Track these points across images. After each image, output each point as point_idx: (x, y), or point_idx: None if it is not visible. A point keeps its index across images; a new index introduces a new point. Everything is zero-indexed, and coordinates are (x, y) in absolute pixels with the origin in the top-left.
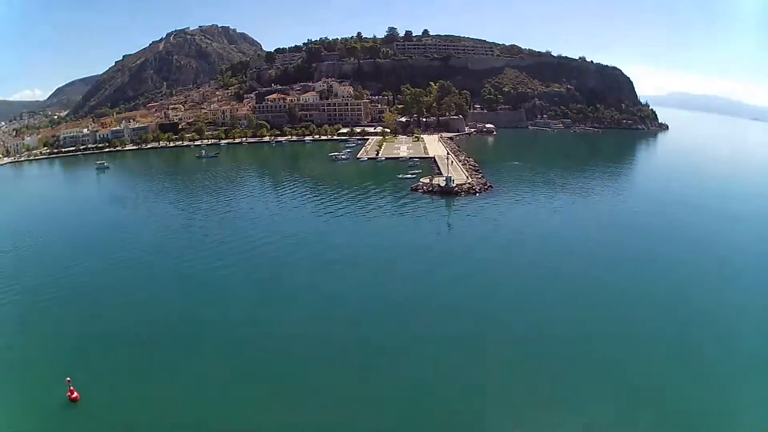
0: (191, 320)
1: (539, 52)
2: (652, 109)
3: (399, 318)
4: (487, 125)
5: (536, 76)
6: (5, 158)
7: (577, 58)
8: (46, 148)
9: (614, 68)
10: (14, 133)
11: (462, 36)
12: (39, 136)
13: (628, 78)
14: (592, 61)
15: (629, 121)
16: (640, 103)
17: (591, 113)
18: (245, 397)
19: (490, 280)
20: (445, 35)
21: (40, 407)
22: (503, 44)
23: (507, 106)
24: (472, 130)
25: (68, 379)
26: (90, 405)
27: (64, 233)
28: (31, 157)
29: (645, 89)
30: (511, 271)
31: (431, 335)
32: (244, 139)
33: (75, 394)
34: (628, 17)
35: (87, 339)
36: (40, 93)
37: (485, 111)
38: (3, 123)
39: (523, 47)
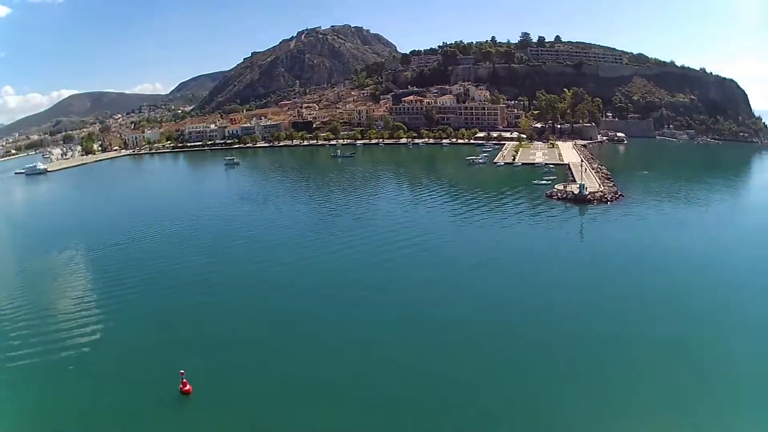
0: (313, 318)
1: (664, 61)
2: (764, 123)
3: (534, 327)
4: (618, 134)
5: (662, 85)
6: (123, 150)
7: (697, 69)
8: (169, 141)
9: (731, 80)
10: (132, 126)
11: (592, 43)
12: (161, 129)
13: (743, 90)
14: (711, 73)
15: (745, 134)
16: (754, 115)
17: (712, 125)
18: (359, 397)
19: (621, 292)
20: (576, 42)
21: (153, 398)
22: (630, 53)
23: (636, 115)
24: (604, 138)
25: (182, 371)
26: (202, 398)
27: (192, 226)
28: (152, 150)
29: (757, 102)
30: (643, 286)
31: (556, 345)
32: (381, 140)
33: (188, 387)
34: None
35: (204, 331)
36: (161, 87)
37: (616, 119)
38: (120, 115)
39: (649, 56)
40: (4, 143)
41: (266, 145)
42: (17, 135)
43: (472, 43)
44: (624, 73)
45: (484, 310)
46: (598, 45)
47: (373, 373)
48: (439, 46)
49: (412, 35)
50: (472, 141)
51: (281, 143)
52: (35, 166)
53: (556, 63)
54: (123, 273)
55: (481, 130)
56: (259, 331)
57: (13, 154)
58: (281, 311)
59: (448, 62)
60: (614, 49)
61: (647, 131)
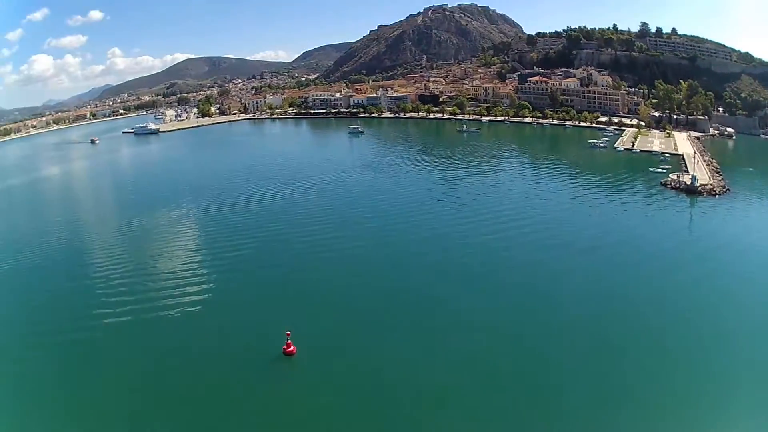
0: (424, 292)
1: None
2: None
3: (634, 319)
4: (728, 129)
5: (766, 85)
6: (242, 114)
7: None
8: (292, 108)
9: None
10: (253, 91)
11: (705, 38)
12: (284, 96)
13: None
14: None
15: None
16: None
17: None
18: (455, 385)
19: (727, 287)
20: (691, 35)
21: (257, 358)
22: (738, 51)
23: (744, 112)
24: (715, 131)
25: (288, 332)
26: (304, 360)
27: (312, 191)
28: (273, 116)
29: None
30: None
31: (658, 340)
32: (506, 117)
33: (291, 348)
34: None
35: (314, 296)
36: (284, 54)
37: (726, 114)
38: (240, 80)
39: (754, 56)
40: (111, 103)
41: (392, 115)
42: (126, 95)
43: (594, 29)
44: (734, 70)
45: (594, 298)
46: (710, 40)
47: (485, 351)
48: (563, 30)
49: (536, 18)
50: (593, 124)
51: (407, 115)
52: (146, 125)
53: (672, 54)
54: (237, 233)
55: (602, 115)
56: (368, 300)
57: (122, 114)
58: (393, 281)
59: (572, 46)
60: (723, 45)
61: (752, 129)
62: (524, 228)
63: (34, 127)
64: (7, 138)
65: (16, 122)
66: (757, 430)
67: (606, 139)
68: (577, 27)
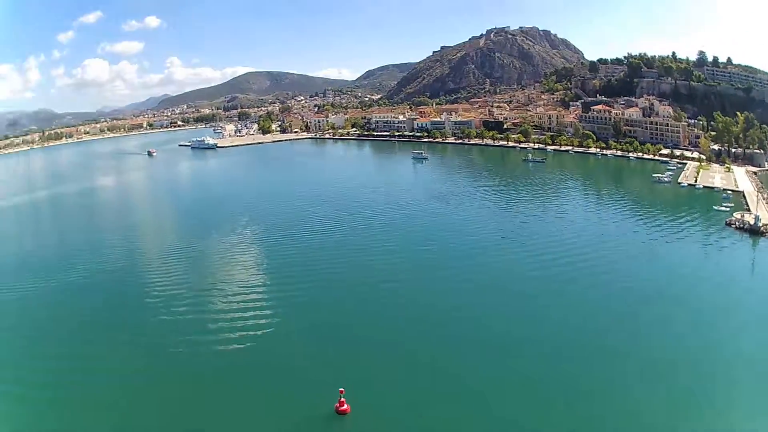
0: (492, 335)
1: None
2: None
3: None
4: None
5: None
6: (303, 133)
7: None
8: (354, 128)
9: None
10: (315, 109)
11: (759, 69)
12: (346, 115)
13: None
14: None
15: None
16: None
17: None
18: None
19: None
20: (745, 65)
21: (307, 415)
22: None
23: None
24: None
25: (341, 389)
26: (359, 420)
27: (378, 223)
28: (335, 136)
29: None
30: None
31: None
32: (571, 147)
33: (345, 407)
34: None
35: (374, 346)
36: (347, 73)
37: None
38: (303, 97)
39: None
40: (169, 114)
41: (456, 141)
42: (185, 107)
43: (654, 56)
44: None
45: (660, 347)
46: (764, 71)
47: (546, 406)
48: (624, 57)
49: (596, 44)
50: (656, 157)
51: (471, 141)
52: (204, 140)
53: (728, 84)
54: (295, 267)
55: (664, 147)
56: (433, 355)
57: (180, 126)
58: (464, 334)
59: (633, 74)
60: None
61: None
62: (596, 269)
63: (87, 133)
64: (59, 142)
65: (68, 127)
66: None
67: (669, 173)
68: (638, 54)
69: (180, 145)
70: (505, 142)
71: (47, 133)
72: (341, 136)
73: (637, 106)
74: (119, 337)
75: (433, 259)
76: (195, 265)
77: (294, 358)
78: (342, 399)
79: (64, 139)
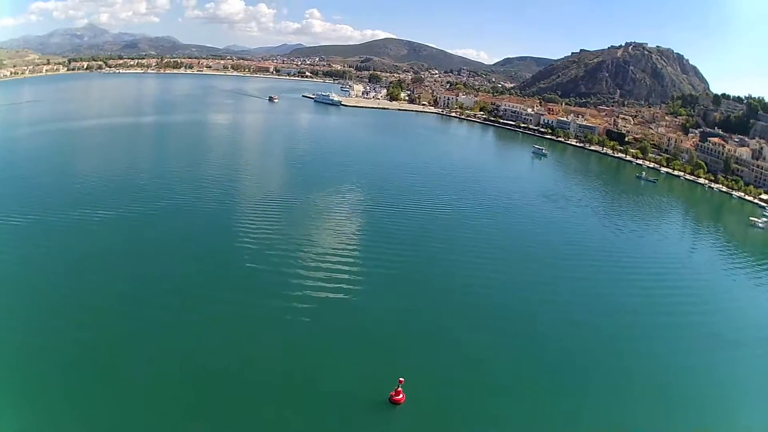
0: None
1: None
2: None
3: None
4: None
5: None
6: (430, 107)
7: None
8: (482, 112)
9: None
10: (447, 86)
11: None
12: (477, 98)
13: None
14: None
15: None
16: None
17: None
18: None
19: None
20: None
21: (361, 405)
22: None
23: None
24: None
25: (401, 379)
26: (413, 410)
27: (488, 210)
28: (461, 116)
29: None
30: None
31: None
32: (683, 173)
33: (400, 396)
34: None
35: (444, 338)
36: (485, 56)
37: None
38: (437, 72)
39: None
40: (300, 63)
41: (577, 143)
42: (317, 59)
43: None
44: None
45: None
46: None
47: None
48: (745, 97)
49: (719, 76)
50: (756, 200)
51: (592, 147)
52: (329, 95)
53: None
54: (390, 242)
55: (765, 192)
56: (506, 358)
57: (308, 77)
58: (528, 328)
59: (751, 115)
60: None
61: None
62: (669, 311)
63: (208, 67)
64: (176, 71)
65: (190, 58)
66: None
67: (765, 219)
68: (757, 97)
69: (303, 96)
70: (623, 155)
71: (165, 60)
72: (467, 117)
73: (748, 146)
74: (195, 280)
75: (529, 258)
76: (289, 220)
77: (364, 336)
78: (399, 389)
79: (183, 68)
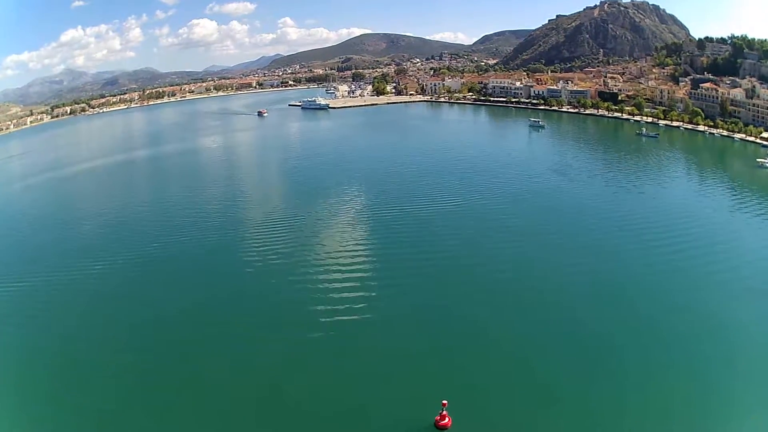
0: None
1: None
2: None
3: None
4: None
5: None
6: (418, 95)
7: None
8: (471, 93)
9: None
10: (432, 73)
11: None
12: (463, 80)
13: None
14: None
15: None
16: None
17: None
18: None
19: None
20: None
21: (405, 426)
22: None
23: None
24: None
25: (444, 402)
26: None
27: (501, 195)
28: (451, 100)
29: None
30: None
31: None
32: (681, 123)
33: (446, 420)
34: None
35: (480, 348)
36: (463, 37)
37: None
38: (419, 60)
39: None
40: (281, 73)
41: (571, 110)
42: (297, 67)
43: (754, 39)
44: None
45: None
46: None
47: None
48: (728, 37)
49: (699, 21)
50: (758, 140)
51: (587, 111)
52: (315, 100)
53: None
54: (404, 246)
55: (765, 130)
56: (550, 371)
57: (291, 86)
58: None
59: (738, 54)
60: None
61: None
62: (686, 264)
63: (191, 92)
64: (160, 101)
65: (171, 86)
66: None
67: None
68: (740, 36)
69: (290, 105)
70: (619, 114)
71: (147, 91)
72: (457, 100)
73: (741, 87)
74: (210, 306)
75: (554, 242)
76: (298, 238)
77: (398, 356)
78: (444, 412)
79: (166, 97)
